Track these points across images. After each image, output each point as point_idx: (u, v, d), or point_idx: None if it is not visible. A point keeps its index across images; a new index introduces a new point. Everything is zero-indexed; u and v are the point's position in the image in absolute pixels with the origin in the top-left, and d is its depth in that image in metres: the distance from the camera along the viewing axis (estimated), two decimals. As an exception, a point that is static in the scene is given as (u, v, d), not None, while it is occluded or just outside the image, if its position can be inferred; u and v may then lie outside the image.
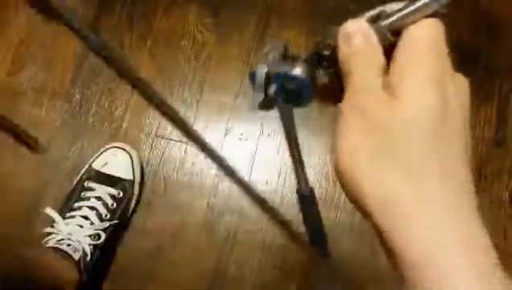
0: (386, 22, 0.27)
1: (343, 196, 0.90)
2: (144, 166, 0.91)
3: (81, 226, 0.80)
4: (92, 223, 0.80)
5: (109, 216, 0.82)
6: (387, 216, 0.24)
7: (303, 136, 0.93)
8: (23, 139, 0.83)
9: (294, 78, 0.30)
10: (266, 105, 0.31)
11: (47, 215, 0.81)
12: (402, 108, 0.24)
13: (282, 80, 0.30)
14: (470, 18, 1.01)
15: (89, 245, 0.79)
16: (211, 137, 0.93)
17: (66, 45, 0.97)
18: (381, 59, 0.26)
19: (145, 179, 0.90)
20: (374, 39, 0.27)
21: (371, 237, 0.92)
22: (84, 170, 0.87)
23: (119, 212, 0.84)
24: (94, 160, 0.87)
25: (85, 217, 0.81)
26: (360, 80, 0.26)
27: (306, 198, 0.60)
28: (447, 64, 0.27)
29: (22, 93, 0.95)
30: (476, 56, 0.98)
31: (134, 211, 0.88)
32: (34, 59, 0.97)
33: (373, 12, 0.28)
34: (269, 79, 0.30)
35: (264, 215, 0.90)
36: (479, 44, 0.99)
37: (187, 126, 0.84)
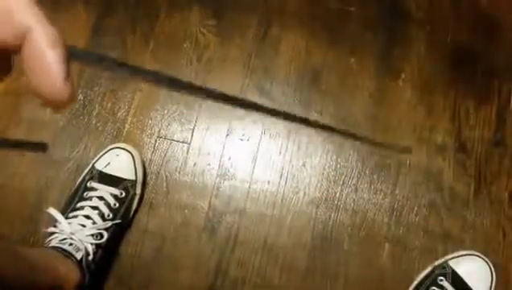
0: None
1: (344, 196, 0.91)
2: (146, 166, 0.92)
3: (84, 226, 0.80)
4: (94, 223, 0.81)
5: (111, 215, 0.83)
6: None
7: (305, 136, 0.94)
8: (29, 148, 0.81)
9: None
10: None
11: (50, 215, 0.82)
12: None
13: None
14: (469, 19, 1.02)
15: (92, 244, 0.79)
16: (213, 137, 0.94)
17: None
18: None
19: (147, 179, 0.91)
20: None
21: (372, 236, 0.94)
22: (86, 170, 0.88)
23: (121, 212, 0.84)
24: (97, 160, 0.88)
25: (88, 217, 0.81)
26: None
27: None
28: None
29: (26, 93, 0.95)
30: (476, 57, 0.99)
31: (136, 211, 0.89)
32: (37, 60, 0.97)
33: None
34: None
35: (265, 215, 0.90)
36: (478, 45, 1.00)
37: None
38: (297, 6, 1.02)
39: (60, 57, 0.23)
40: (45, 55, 0.23)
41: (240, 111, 0.96)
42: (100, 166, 0.87)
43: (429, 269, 0.85)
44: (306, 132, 0.94)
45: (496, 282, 0.83)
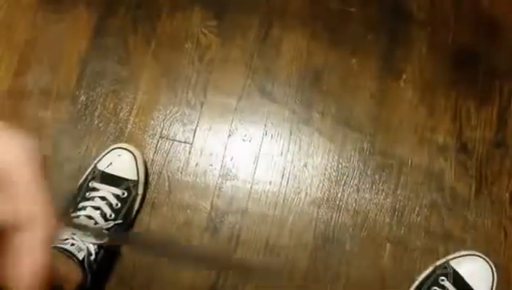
0: None
1: (345, 197, 0.91)
2: (148, 166, 0.92)
3: (86, 226, 0.80)
4: (96, 223, 0.81)
5: (113, 216, 0.83)
6: None
7: (306, 136, 0.94)
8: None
9: None
10: None
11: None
12: None
13: None
14: (470, 20, 1.02)
15: (93, 244, 0.79)
16: (215, 138, 0.94)
17: (71, 47, 0.99)
18: None
19: (149, 179, 0.91)
20: None
21: (373, 237, 0.94)
22: (89, 170, 0.88)
23: (123, 212, 0.85)
24: (99, 161, 0.88)
25: (90, 217, 0.81)
26: None
27: None
28: None
29: (28, 94, 0.96)
30: (477, 58, 0.99)
31: (138, 211, 0.89)
32: (39, 60, 0.98)
33: None
34: None
35: (267, 216, 0.90)
36: (479, 46, 1.00)
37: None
38: (298, 6, 1.02)
39: (41, 266, 0.20)
40: (25, 261, 0.19)
41: (242, 112, 0.96)
42: (102, 166, 0.87)
43: (430, 269, 0.85)
44: (307, 132, 0.94)
45: (497, 282, 0.83)
